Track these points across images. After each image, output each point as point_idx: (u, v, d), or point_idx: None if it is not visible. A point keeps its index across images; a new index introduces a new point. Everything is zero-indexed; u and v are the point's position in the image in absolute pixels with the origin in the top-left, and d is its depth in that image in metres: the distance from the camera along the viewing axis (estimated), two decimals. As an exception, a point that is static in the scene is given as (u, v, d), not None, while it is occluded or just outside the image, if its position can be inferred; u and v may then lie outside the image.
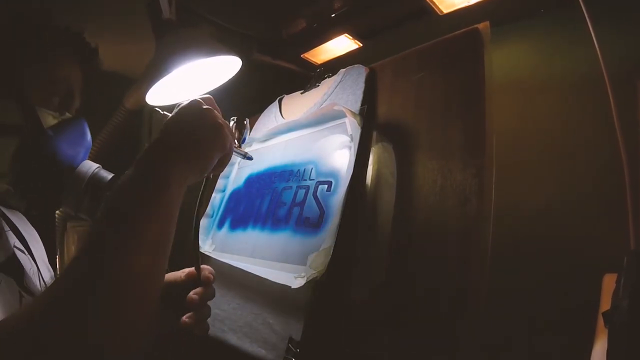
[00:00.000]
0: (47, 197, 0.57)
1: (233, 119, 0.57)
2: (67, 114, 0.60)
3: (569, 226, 0.73)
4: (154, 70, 0.65)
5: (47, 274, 0.61)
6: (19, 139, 0.52)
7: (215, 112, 0.47)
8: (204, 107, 0.46)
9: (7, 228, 0.56)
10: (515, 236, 0.74)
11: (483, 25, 0.55)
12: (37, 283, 0.56)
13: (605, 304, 0.53)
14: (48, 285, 0.58)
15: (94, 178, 0.57)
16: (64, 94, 0.59)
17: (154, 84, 0.66)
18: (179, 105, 0.47)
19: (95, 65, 0.66)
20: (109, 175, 0.58)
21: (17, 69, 0.55)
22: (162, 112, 0.54)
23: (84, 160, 0.59)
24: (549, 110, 0.78)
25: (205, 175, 0.47)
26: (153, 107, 0.73)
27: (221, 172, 0.54)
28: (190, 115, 0.45)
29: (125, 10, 0.86)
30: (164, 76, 0.64)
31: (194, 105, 0.46)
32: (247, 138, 0.59)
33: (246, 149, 0.89)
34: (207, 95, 0.50)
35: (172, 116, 0.46)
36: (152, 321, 0.37)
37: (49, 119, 0.56)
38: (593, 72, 0.62)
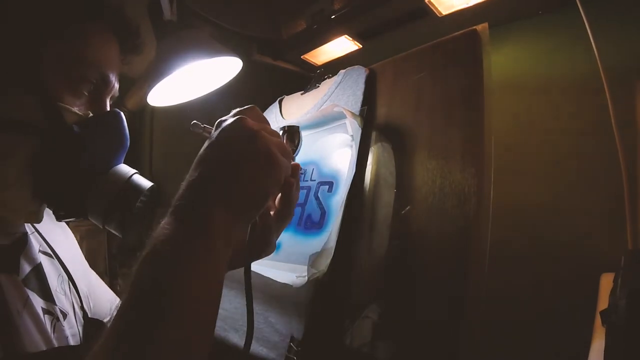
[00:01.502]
0: (71, 208, 0.47)
1: (284, 128, 0.47)
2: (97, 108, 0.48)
3: (566, 226, 0.73)
4: (156, 71, 0.66)
5: (80, 273, 0.56)
6: (37, 137, 0.42)
7: (265, 135, 0.36)
8: (254, 128, 0.36)
9: (32, 230, 0.51)
10: (513, 236, 0.75)
11: (482, 27, 0.55)
12: (67, 291, 0.51)
13: (603, 303, 0.53)
14: (86, 306, 0.53)
15: (129, 186, 0.46)
16: (96, 81, 0.47)
17: (155, 85, 0.66)
18: (221, 123, 0.37)
19: (136, 49, 0.53)
20: (147, 184, 0.48)
21: (36, 47, 0.42)
22: (202, 126, 0.41)
23: (118, 164, 0.49)
24: (547, 110, 0.79)
25: (257, 215, 0.38)
26: (153, 107, 0.73)
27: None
28: (238, 142, 0.35)
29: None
30: (165, 77, 0.64)
31: (241, 126, 0.36)
32: (300, 149, 0.49)
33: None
34: (251, 106, 0.40)
35: (212, 145, 0.36)
36: None
37: (70, 115, 0.44)
38: (591, 72, 0.63)
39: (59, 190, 0.45)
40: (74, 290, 0.53)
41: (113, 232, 0.47)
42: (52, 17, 0.44)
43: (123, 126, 0.49)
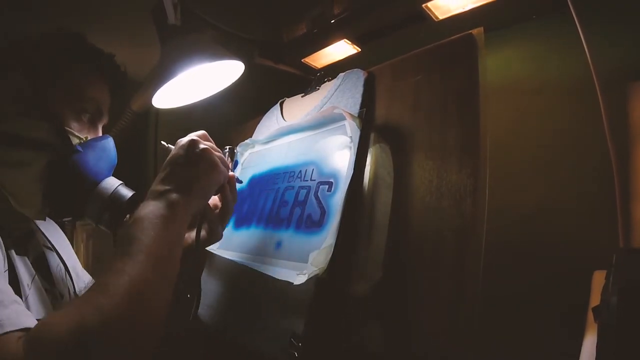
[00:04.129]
0: (72, 209, 0.61)
1: (226, 149, 0.64)
2: (93, 132, 0.63)
3: (560, 225, 0.74)
4: (160, 74, 0.67)
5: (74, 270, 0.67)
6: (49, 154, 0.55)
7: (211, 149, 0.54)
8: (201, 146, 0.53)
9: (36, 228, 0.62)
10: (507, 235, 0.76)
11: (477, 31, 0.56)
12: (64, 278, 0.62)
13: (595, 300, 0.55)
14: (78, 290, 0.65)
15: (115, 195, 0.60)
16: (93, 112, 0.63)
17: (159, 88, 0.68)
18: (179, 142, 0.54)
19: (123, 88, 0.69)
20: (129, 193, 0.62)
21: (50, 87, 0.58)
22: (166, 145, 0.60)
23: (108, 176, 0.62)
24: (541, 112, 0.80)
25: (205, 203, 0.56)
26: (158, 109, 0.75)
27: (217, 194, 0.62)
28: (190, 155, 0.53)
29: (131, 13, 0.88)
30: (169, 80, 0.66)
31: (192, 145, 0.54)
32: (238, 164, 0.70)
33: (249, 150, 0.92)
34: (202, 132, 0.57)
35: (174, 155, 0.53)
36: (163, 321, 0.44)
37: (74, 138, 0.59)
38: (584, 76, 0.64)
39: (64, 194, 0.58)
40: (69, 278, 0.64)
41: (104, 229, 0.61)
42: (58, 64, 0.59)
43: (112, 147, 0.64)
